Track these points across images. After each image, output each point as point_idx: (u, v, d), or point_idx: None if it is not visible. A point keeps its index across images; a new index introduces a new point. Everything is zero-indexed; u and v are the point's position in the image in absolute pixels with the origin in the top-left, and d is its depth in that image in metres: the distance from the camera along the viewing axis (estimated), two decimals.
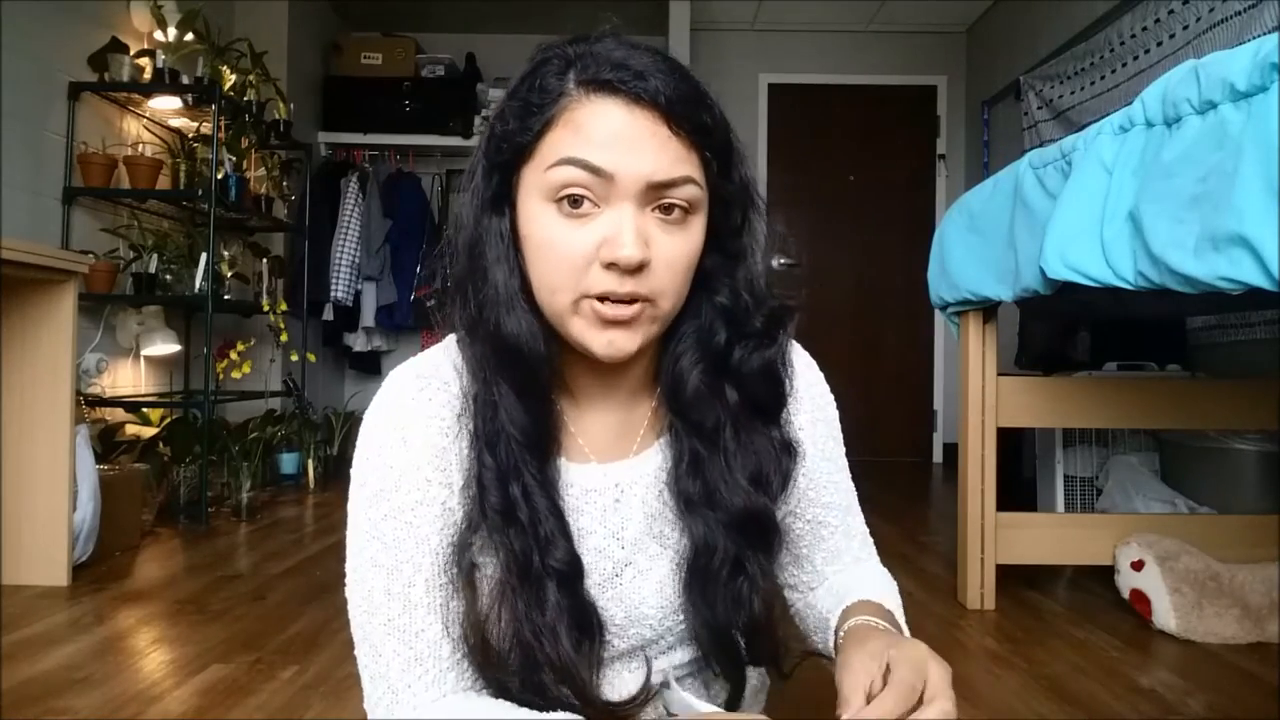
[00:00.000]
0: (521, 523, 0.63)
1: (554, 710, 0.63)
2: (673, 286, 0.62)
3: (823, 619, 0.76)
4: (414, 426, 0.66)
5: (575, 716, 0.62)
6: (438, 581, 0.64)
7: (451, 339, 0.70)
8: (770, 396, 0.71)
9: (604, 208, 0.60)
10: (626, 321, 0.61)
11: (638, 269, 0.60)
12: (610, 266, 0.59)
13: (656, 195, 0.60)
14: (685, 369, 0.67)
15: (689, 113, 0.60)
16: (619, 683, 0.71)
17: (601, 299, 0.60)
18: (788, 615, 0.82)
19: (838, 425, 0.80)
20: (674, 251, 0.61)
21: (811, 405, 0.77)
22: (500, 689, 0.65)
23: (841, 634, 0.69)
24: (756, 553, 0.69)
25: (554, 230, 0.61)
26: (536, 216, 0.62)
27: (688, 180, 0.61)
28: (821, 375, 0.80)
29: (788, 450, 0.72)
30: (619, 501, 0.70)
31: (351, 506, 0.67)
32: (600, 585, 0.69)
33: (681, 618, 0.71)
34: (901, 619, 0.75)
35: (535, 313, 0.64)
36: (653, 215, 0.61)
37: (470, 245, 0.65)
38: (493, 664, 0.64)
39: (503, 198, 0.64)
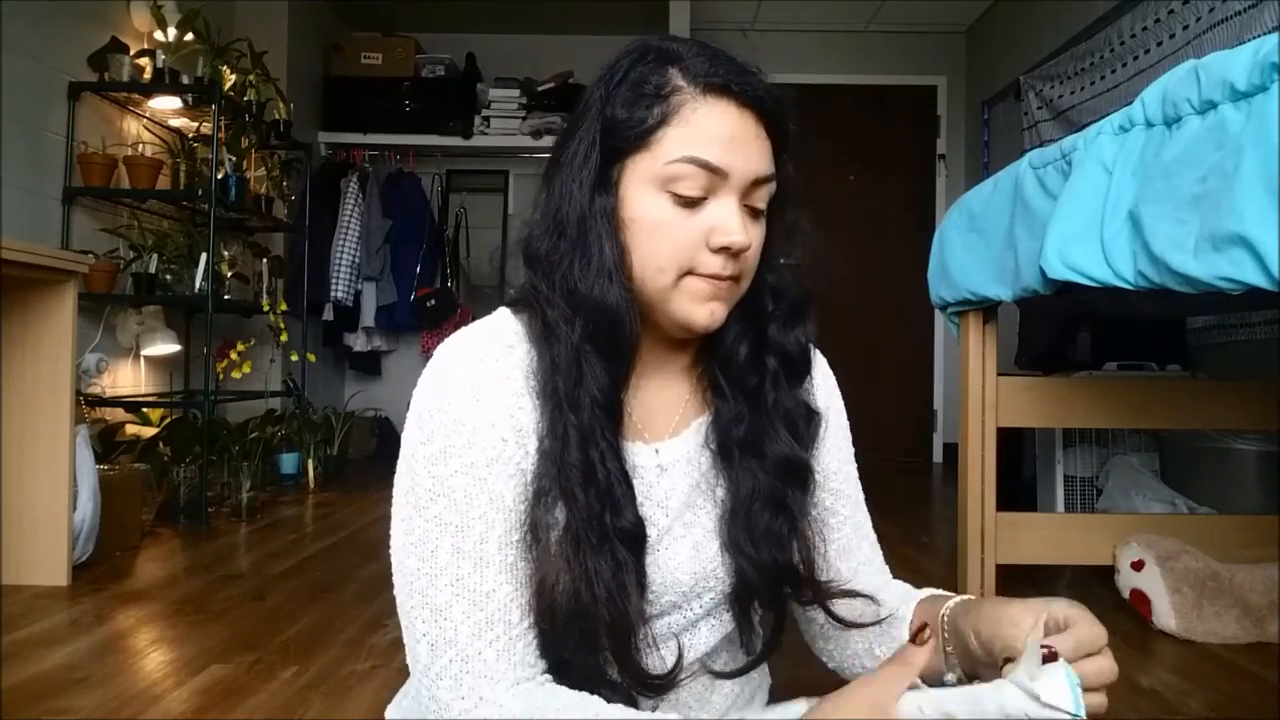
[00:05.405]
0: (599, 483, 0.66)
1: (596, 685, 0.65)
2: (753, 267, 0.72)
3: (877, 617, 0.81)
4: (487, 385, 0.67)
5: (678, 717, 0.64)
6: (510, 539, 0.65)
7: (502, 311, 0.73)
8: (802, 364, 0.79)
9: (710, 198, 0.67)
10: (723, 295, 0.69)
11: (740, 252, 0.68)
12: (720, 250, 0.67)
13: (754, 189, 0.69)
14: (735, 338, 0.75)
15: (782, 118, 0.71)
16: (651, 660, 0.71)
17: (704, 277, 0.68)
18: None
19: (848, 427, 0.87)
20: (758, 237, 0.71)
21: (827, 397, 0.84)
22: (552, 657, 0.66)
23: (947, 610, 0.75)
24: (795, 495, 0.75)
25: (666, 215, 0.67)
26: (647, 202, 0.67)
27: (774, 177, 0.70)
28: (835, 380, 0.87)
29: (814, 413, 0.80)
30: (664, 472, 0.74)
31: (410, 465, 0.66)
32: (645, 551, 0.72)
33: (711, 584, 0.74)
34: None
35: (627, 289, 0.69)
36: (744, 205, 0.69)
37: (580, 220, 0.68)
38: (557, 627, 0.64)
39: (608, 179, 0.68)
